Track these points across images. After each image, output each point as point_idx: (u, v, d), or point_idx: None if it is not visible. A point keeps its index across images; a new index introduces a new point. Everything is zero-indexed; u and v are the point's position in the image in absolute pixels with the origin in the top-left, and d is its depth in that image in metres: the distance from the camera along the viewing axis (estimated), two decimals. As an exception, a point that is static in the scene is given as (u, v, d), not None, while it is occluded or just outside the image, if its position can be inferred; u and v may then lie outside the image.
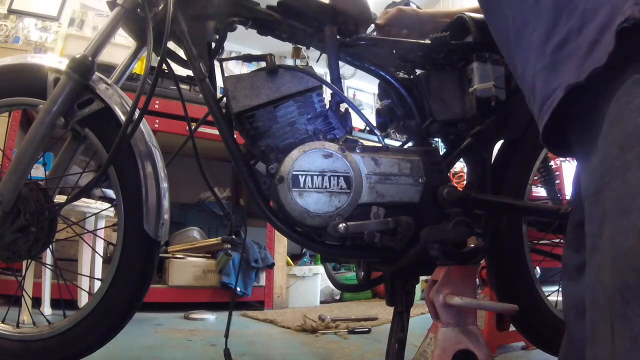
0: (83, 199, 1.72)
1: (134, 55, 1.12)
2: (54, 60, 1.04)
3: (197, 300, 2.36)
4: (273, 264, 2.62)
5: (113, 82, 1.08)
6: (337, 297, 3.02)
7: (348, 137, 0.99)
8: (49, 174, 1.10)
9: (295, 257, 3.17)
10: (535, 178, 1.27)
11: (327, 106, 0.98)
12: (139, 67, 2.11)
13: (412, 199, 0.95)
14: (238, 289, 2.41)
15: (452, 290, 0.90)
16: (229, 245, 2.45)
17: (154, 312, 2.17)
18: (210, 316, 2.16)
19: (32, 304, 1.56)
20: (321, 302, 2.87)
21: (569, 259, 0.65)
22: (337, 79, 1.01)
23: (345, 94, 1.15)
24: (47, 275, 1.84)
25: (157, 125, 2.31)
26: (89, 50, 1.01)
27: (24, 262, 1.35)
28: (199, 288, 2.40)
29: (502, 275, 1.18)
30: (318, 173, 0.89)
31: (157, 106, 2.34)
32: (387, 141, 1.10)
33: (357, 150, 0.94)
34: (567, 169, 2.03)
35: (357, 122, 1.36)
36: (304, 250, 3.13)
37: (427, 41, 1.09)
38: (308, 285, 2.81)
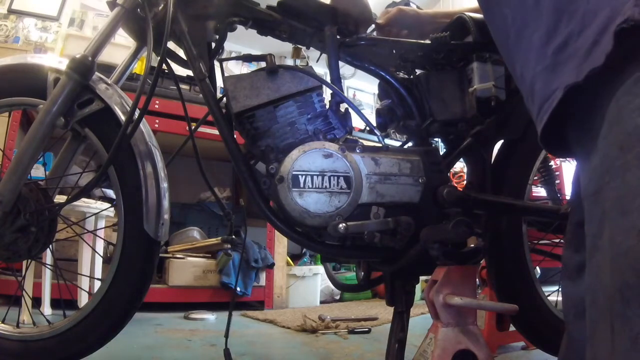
0: (83, 199, 1.72)
1: (134, 55, 1.12)
2: (54, 60, 1.04)
3: (197, 300, 2.36)
4: (273, 264, 2.62)
5: (113, 82, 1.08)
6: (337, 297, 3.02)
7: (348, 137, 0.99)
8: (49, 174, 1.10)
9: (295, 257, 3.17)
10: (535, 178, 1.27)
11: (327, 106, 0.98)
12: (139, 67, 2.11)
13: (412, 199, 0.95)
14: (238, 289, 2.41)
15: (452, 290, 0.90)
16: (229, 245, 2.45)
17: (154, 312, 2.17)
18: (210, 316, 2.16)
19: (32, 304, 1.56)
20: (321, 302, 2.87)
21: (569, 259, 0.65)
22: (337, 79, 1.01)
23: (345, 94, 1.15)
24: (47, 275, 1.84)
25: (157, 125, 2.31)
26: (89, 50, 1.01)
27: (24, 262, 1.35)
28: (199, 288, 2.40)
29: (502, 275, 1.18)
30: (318, 173, 0.89)
31: (157, 106, 2.34)
32: (387, 141, 1.10)
33: (357, 150, 0.94)
34: (567, 169, 2.03)
35: (357, 122, 1.36)
36: (304, 250, 3.13)
37: (427, 41, 1.09)
38: (308, 285, 2.81)
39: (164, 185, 1.05)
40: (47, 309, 1.82)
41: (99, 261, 1.98)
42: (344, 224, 0.88)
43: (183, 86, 2.52)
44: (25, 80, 1.03)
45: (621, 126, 0.44)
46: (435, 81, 1.08)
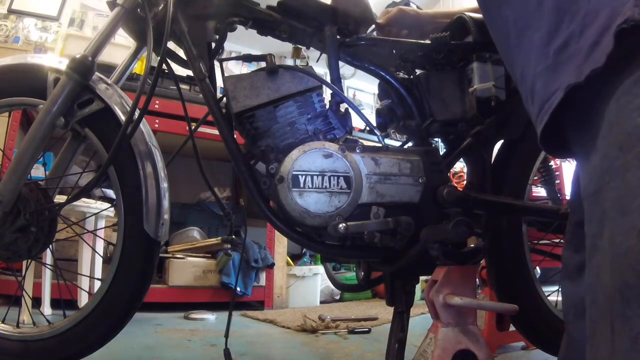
0: (83, 199, 1.72)
1: (134, 55, 1.12)
2: (54, 60, 1.04)
3: (197, 300, 2.36)
4: (273, 264, 2.62)
5: (113, 82, 1.08)
6: (337, 297, 3.02)
7: (348, 137, 0.99)
8: (49, 174, 1.10)
9: (295, 257, 3.18)
10: (535, 178, 1.27)
11: (327, 106, 0.98)
12: (139, 67, 2.11)
13: (412, 199, 0.95)
14: (238, 289, 2.41)
15: (452, 290, 0.90)
16: (229, 245, 2.45)
17: (154, 312, 2.17)
18: (210, 316, 2.16)
19: (32, 304, 1.56)
20: (321, 302, 2.87)
21: (569, 259, 0.65)
22: (337, 79, 1.01)
23: (345, 94, 1.15)
24: (47, 275, 1.84)
25: (157, 125, 2.31)
26: (89, 50, 1.01)
27: (24, 262, 1.35)
28: (199, 288, 2.40)
29: (502, 275, 1.18)
30: (318, 173, 0.89)
31: (157, 106, 2.34)
32: (387, 141, 1.10)
33: (357, 150, 0.94)
34: (567, 169, 2.03)
35: (357, 122, 1.36)
36: (304, 250, 3.13)
37: (427, 41, 1.09)
38: (308, 285, 2.81)
39: (164, 185, 1.05)
40: (47, 309, 1.82)
41: (99, 261, 1.98)
42: (344, 224, 0.88)
43: (183, 86, 2.52)
44: (25, 80, 1.03)
45: (621, 126, 0.44)
46: (435, 81, 1.08)
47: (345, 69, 1.13)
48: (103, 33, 1.03)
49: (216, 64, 1.05)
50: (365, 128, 3.10)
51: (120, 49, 2.16)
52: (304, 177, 0.89)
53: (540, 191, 1.61)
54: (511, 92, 1.07)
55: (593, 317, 0.47)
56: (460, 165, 2.78)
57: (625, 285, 0.40)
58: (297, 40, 1.07)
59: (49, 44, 3.15)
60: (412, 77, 1.11)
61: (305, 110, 0.95)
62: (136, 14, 1.05)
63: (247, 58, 1.07)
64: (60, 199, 1.15)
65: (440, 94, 1.07)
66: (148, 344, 1.53)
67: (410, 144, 1.16)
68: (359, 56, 1.06)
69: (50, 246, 1.07)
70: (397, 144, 1.40)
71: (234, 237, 2.21)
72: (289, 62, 4.01)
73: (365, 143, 1.01)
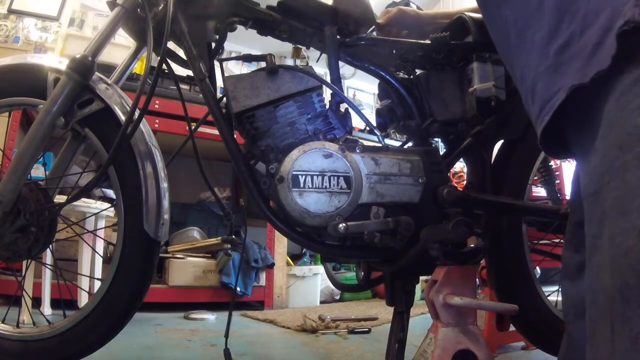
0: (83, 199, 1.72)
1: (134, 55, 1.12)
2: (54, 60, 1.04)
3: (197, 300, 2.36)
4: (273, 264, 2.62)
5: (113, 82, 1.08)
6: (337, 297, 3.02)
7: (348, 137, 0.99)
8: (49, 174, 1.10)
9: (295, 257, 3.17)
10: (535, 178, 1.27)
11: (327, 106, 0.98)
12: (139, 67, 2.11)
13: (412, 199, 0.95)
14: (238, 289, 2.41)
15: (452, 290, 0.90)
16: (229, 245, 2.45)
17: (154, 312, 2.17)
18: (210, 316, 2.16)
19: (32, 304, 1.56)
20: (321, 302, 2.87)
21: (569, 259, 0.65)
22: (337, 79, 1.01)
23: (345, 94, 1.15)
24: (47, 275, 1.84)
25: (157, 125, 2.31)
26: (89, 50, 1.01)
27: (24, 262, 1.35)
28: (199, 288, 2.40)
29: (502, 275, 1.18)
30: (318, 173, 0.89)
31: (157, 106, 2.34)
32: (387, 141, 1.10)
33: (357, 150, 0.94)
34: (567, 169, 2.03)
35: (357, 122, 1.36)
36: (304, 250, 3.13)
37: (427, 41, 1.09)
38: (308, 285, 2.81)
39: (164, 185, 1.05)
40: (47, 309, 1.82)
41: (99, 261, 1.98)
42: (344, 224, 0.88)
43: (183, 86, 2.52)
44: (25, 80, 1.03)
45: (621, 126, 0.44)
46: (435, 81, 1.08)
47: (345, 69, 1.13)
48: (103, 33, 1.03)
49: (216, 64, 1.05)
50: (365, 128, 3.10)
51: (120, 49, 2.16)
52: (304, 177, 0.89)
53: (540, 191, 1.61)
54: (511, 92, 1.07)
55: (593, 317, 0.47)
56: (460, 165, 2.77)
57: (625, 285, 0.40)
58: (297, 40, 1.07)
59: (49, 44, 3.15)
60: (412, 77, 1.11)
61: (305, 110, 0.95)
62: (136, 14, 1.05)
63: (247, 58, 1.07)
64: (60, 199, 1.15)
65: (440, 94, 1.07)
66: (148, 344, 1.53)
67: (410, 144, 1.16)
68: (359, 56, 1.06)
69: (50, 246, 1.07)
70: (397, 144, 1.40)
71: (234, 237, 2.21)
72: (289, 62, 4.01)
73: (365, 143, 1.01)
